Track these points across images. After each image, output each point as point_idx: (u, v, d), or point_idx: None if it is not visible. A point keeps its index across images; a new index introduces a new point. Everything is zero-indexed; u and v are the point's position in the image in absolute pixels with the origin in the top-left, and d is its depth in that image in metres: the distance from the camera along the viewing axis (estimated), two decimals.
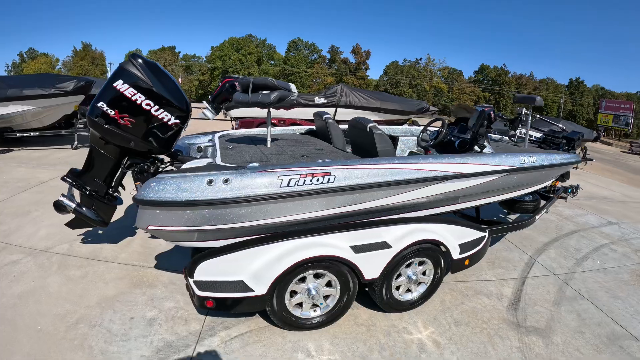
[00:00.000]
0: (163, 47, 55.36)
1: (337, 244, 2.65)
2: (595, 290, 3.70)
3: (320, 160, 2.74)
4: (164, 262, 3.70)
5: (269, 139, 3.56)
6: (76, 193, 3.04)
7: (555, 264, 4.24)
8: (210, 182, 2.34)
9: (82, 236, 4.03)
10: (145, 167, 2.88)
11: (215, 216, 2.43)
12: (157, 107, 2.58)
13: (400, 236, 2.82)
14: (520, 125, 4.94)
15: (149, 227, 2.46)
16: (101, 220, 3.09)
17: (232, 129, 11.39)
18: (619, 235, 5.43)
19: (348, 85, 12.00)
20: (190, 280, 2.53)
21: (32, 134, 8.38)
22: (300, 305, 2.74)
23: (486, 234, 3.39)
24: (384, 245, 2.75)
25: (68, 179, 3.02)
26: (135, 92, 2.54)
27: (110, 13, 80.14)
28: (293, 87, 3.29)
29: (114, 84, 2.54)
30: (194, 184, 2.34)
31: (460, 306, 3.23)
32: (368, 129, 3.19)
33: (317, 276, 2.71)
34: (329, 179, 2.54)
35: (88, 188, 2.99)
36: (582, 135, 5.26)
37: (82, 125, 8.70)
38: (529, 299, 3.45)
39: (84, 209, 3.01)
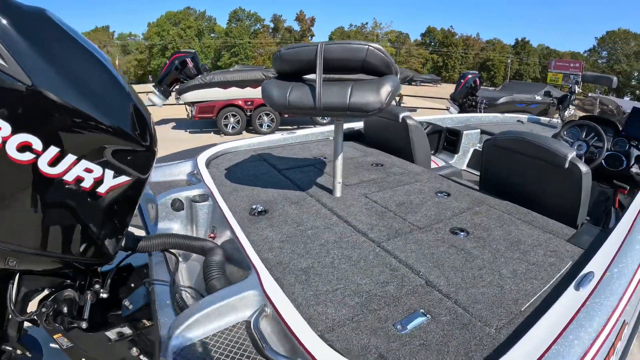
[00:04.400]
0: (96, 27, 49.58)
1: None
2: None
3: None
4: None
5: (338, 186, 1.78)
6: None
7: None
8: None
9: None
10: (69, 301, 1.03)
11: None
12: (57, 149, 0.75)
13: None
14: (569, 106, 4.51)
15: None
16: None
17: (188, 116, 9.30)
18: None
19: None
20: None
21: None
22: None
23: None
24: None
25: None
26: None
27: None
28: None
29: None
30: None
31: None
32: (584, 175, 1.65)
33: None
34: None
35: None
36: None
37: None
38: None
39: None
